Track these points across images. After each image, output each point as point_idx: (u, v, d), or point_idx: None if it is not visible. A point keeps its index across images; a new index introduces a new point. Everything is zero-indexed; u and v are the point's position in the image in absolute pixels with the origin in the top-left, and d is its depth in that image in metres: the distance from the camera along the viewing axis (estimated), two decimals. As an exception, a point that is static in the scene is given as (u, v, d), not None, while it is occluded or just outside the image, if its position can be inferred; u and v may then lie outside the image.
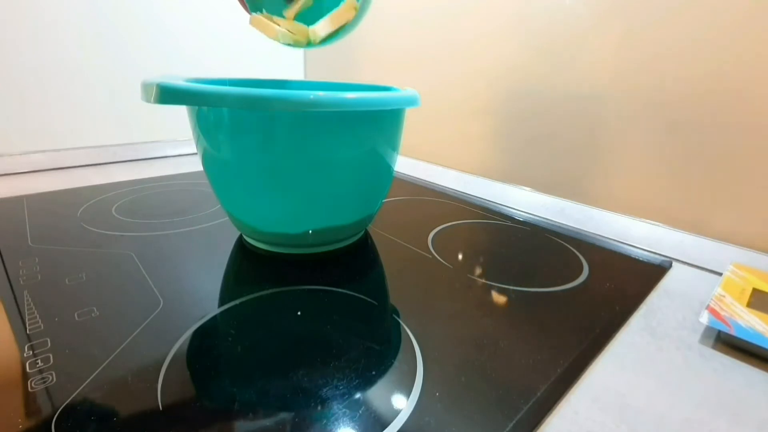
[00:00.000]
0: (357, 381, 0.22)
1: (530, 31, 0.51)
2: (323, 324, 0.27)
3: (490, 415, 0.20)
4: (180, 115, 0.43)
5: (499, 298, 0.31)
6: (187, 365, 0.22)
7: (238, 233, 0.40)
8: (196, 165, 0.65)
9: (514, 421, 0.20)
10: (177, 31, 0.69)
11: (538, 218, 0.49)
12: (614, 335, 0.28)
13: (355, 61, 0.78)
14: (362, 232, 0.41)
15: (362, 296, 0.30)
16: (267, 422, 0.19)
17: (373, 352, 0.24)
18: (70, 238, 0.37)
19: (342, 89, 0.44)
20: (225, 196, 0.35)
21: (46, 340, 0.24)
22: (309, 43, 0.41)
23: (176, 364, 0.22)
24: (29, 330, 0.25)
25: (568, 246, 0.41)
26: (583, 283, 0.34)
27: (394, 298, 0.31)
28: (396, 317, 0.28)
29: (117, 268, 0.33)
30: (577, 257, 0.39)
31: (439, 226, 0.44)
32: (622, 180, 0.46)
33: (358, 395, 0.21)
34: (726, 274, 0.34)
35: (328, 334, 0.26)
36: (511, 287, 0.33)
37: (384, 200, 0.41)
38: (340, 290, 0.31)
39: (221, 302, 0.29)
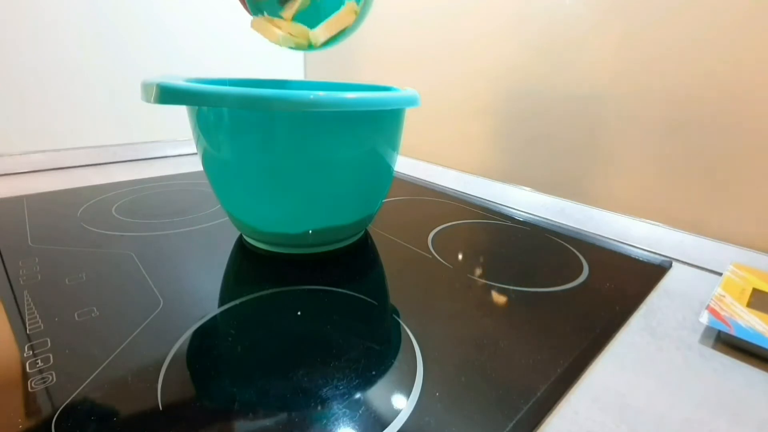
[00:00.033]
0: (357, 381, 0.22)
1: (530, 31, 0.51)
2: (323, 324, 0.27)
3: (490, 415, 0.20)
4: (180, 115, 0.43)
5: (499, 298, 0.31)
6: (187, 365, 0.22)
7: (238, 233, 0.40)
8: (196, 165, 0.65)
9: (514, 421, 0.20)
10: (177, 31, 0.69)
11: (538, 218, 0.49)
12: (614, 335, 0.28)
13: (355, 62, 0.78)
14: (362, 232, 0.41)
15: (362, 296, 0.30)
16: (267, 422, 0.19)
17: (373, 352, 0.24)
18: (70, 238, 0.37)
19: (342, 89, 0.44)
20: (225, 196, 0.35)
21: (46, 340, 0.24)
22: (310, 46, 0.41)
23: (176, 364, 0.22)
24: (29, 330, 0.25)
25: (568, 246, 0.41)
26: (583, 283, 0.34)
27: (394, 298, 0.31)
28: (396, 317, 0.28)
29: (117, 268, 0.33)
30: (577, 257, 0.39)
31: (439, 226, 0.44)
32: (622, 180, 0.46)
33: (358, 395, 0.21)
34: (726, 274, 0.34)
35: (328, 334, 0.26)
36: (511, 287, 0.33)
37: (384, 200, 0.41)
38: (340, 290, 0.31)
39: (221, 302, 0.29)
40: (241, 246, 0.38)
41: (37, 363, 0.22)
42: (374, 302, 0.30)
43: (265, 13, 0.41)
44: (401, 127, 0.36)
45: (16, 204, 0.45)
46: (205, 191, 0.52)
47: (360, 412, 0.20)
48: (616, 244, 0.42)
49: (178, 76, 0.33)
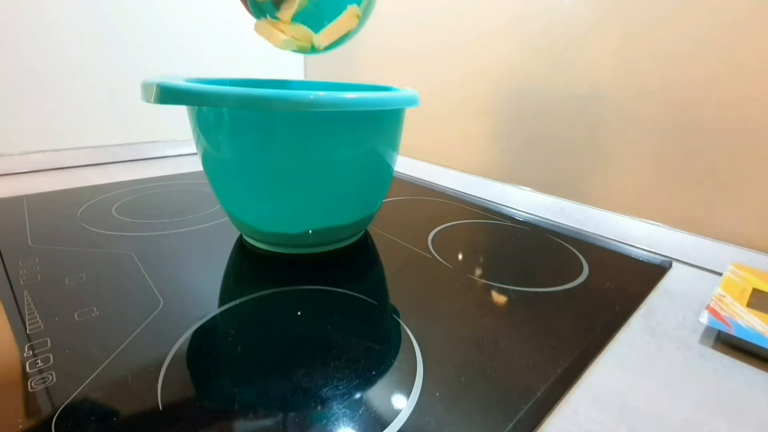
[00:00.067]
0: (357, 381, 0.22)
1: (530, 31, 0.51)
2: (323, 324, 0.27)
3: (490, 415, 0.20)
4: (180, 115, 0.43)
5: (499, 298, 0.31)
6: (187, 365, 0.22)
7: (238, 233, 0.40)
8: (196, 165, 0.65)
9: (514, 421, 0.20)
10: (177, 31, 0.69)
11: (538, 218, 0.49)
12: (614, 335, 0.28)
13: (355, 62, 0.78)
14: (362, 232, 0.41)
15: (362, 296, 0.30)
16: (267, 422, 0.19)
17: (373, 352, 0.24)
18: (70, 238, 0.37)
19: (342, 89, 0.44)
20: (225, 196, 0.35)
21: (46, 340, 0.24)
22: (313, 49, 0.41)
23: (176, 364, 0.22)
24: (29, 330, 0.25)
25: (568, 246, 0.41)
26: (583, 283, 0.34)
27: (394, 298, 0.31)
28: (396, 317, 0.28)
29: (117, 268, 0.33)
30: (577, 257, 0.39)
31: (439, 226, 0.44)
32: (622, 180, 0.46)
33: (358, 395, 0.21)
34: (726, 274, 0.34)
35: (328, 334, 0.26)
36: (511, 287, 0.33)
37: (384, 200, 0.41)
38: (340, 290, 0.31)
39: (221, 302, 0.29)
40: (241, 246, 0.38)
41: (37, 363, 0.22)
42: (374, 302, 0.30)
43: (268, 16, 0.41)
44: (401, 127, 0.36)
45: (16, 204, 0.45)
46: (205, 191, 0.52)
47: (360, 412, 0.20)
48: (616, 244, 0.42)
49: (178, 76, 0.33)
